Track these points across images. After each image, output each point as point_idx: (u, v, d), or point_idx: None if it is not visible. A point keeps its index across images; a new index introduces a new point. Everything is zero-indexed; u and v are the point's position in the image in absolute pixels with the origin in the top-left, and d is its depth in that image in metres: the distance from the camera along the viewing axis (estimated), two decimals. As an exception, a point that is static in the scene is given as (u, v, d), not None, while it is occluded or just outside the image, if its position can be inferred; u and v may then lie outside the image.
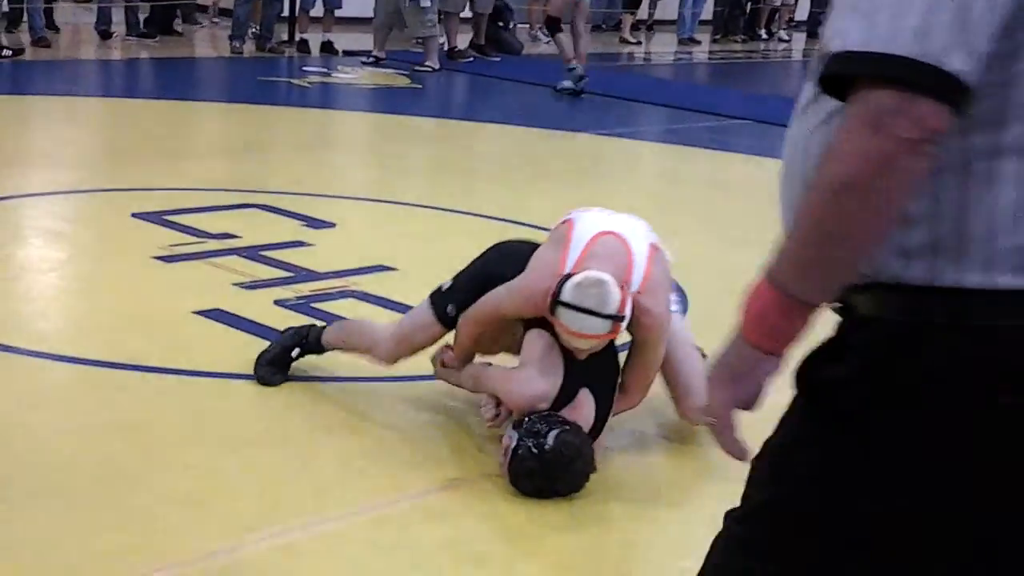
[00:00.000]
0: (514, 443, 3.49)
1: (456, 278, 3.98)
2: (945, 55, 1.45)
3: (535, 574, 3.21)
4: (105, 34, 13.22)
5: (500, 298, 3.73)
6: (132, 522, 3.24)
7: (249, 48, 13.31)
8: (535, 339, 3.67)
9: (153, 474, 3.51)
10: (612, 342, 3.66)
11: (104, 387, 4.15)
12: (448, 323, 3.91)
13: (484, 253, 4.03)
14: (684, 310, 4.36)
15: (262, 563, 3.11)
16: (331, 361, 4.44)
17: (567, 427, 3.50)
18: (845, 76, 1.50)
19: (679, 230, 6.85)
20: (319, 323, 4.31)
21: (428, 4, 12.60)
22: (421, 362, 4.12)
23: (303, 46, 13.67)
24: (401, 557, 3.20)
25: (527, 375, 3.63)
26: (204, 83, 12.07)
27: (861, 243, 1.53)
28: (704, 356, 4.05)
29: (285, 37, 14.06)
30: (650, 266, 3.68)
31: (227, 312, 4.87)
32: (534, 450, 3.44)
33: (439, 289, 3.99)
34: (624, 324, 3.54)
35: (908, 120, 1.46)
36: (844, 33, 1.51)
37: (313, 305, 5.04)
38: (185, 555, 3.10)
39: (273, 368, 4.19)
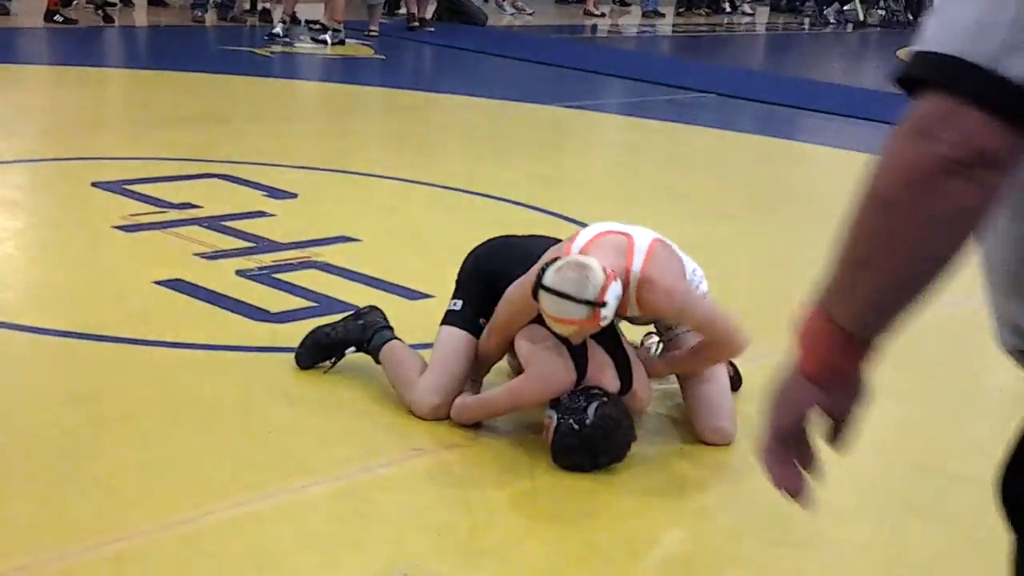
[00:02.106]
0: (555, 422, 3.52)
1: (458, 295, 3.92)
2: (1004, 57, 1.18)
3: (497, 544, 3.22)
4: (65, 1, 13.08)
5: (511, 292, 3.70)
6: (92, 492, 3.23)
7: (211, 17, 13.22)
8: (531, 333, 3.66)
9: (112, 444, 3.50)
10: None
11: (63, 357, 4.12)
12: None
13: (465, 262, 3.99)
14: None
15: (223, 533, 3.10)
16: (293, 331, 4.43)
17: (605, 399, 3.54)
18: (911, 80, 1.26)
19: (641, 202, 6.88)
20: (387, 326, 4.06)
21: None
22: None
23: (265, 16, 13.59)
24: (363, 527, 3.20)
25: (553, 369, 3.60)
26: (165, 52, 11.97)
27: (896, 272, 1.29)
28: (738, 377, 4.09)
29: (248, 7, 13.98)
30: (654, 250, 3.67)
31: (188, 282, 4.85)
32: (575, 426, 3.48)
33: (452, 311, 3.89)
34: (606, 311, 3.46)
35: (953, 134, 1.20)
36: (923, 29, 1.27)
37: (275, 276, 5.03)
38: (146, 524, 3.09)
39: (315, 353, 4.06)
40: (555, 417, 3.52)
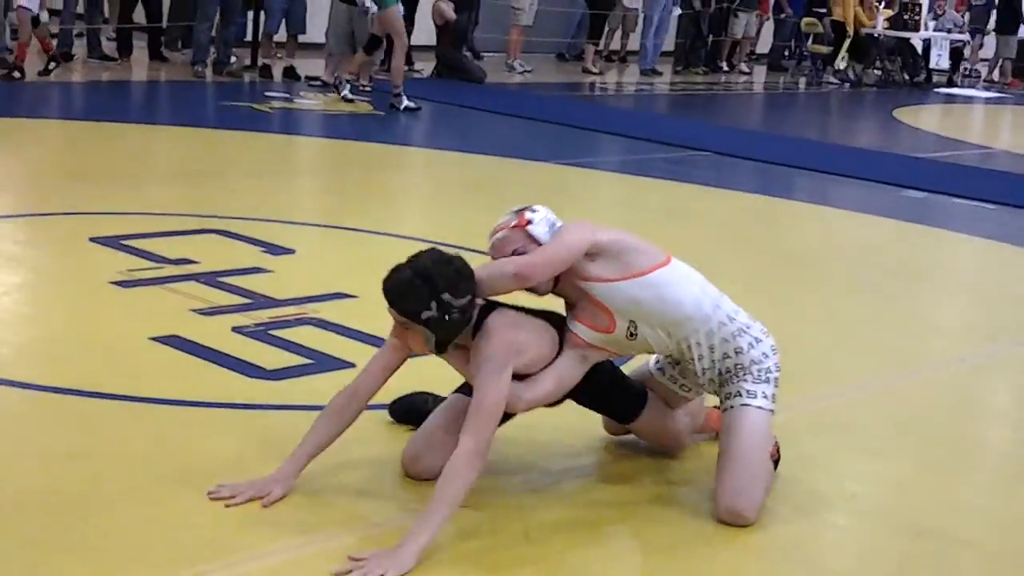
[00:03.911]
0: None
1: None
2: None
3: (491, 606, 3.19)
4: (66, 56, 13.15)
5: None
6: (85, 551, 3.20)
7: (210, 72, 13.29)
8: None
9: (104, 503, 3.47)
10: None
11: (57, 413, 4.10)
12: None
13: None
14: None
15: (216, 593, 3.08)
16: (289, 388, 4.42)
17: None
18: None
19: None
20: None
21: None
22: (383, 392, 4.11)
23: (265, 71, 13.67)
24: (356, 588, 3.17)
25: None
26: (165, 107, 12.03)
27: None
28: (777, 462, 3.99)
29: (248, 62, 14.06)
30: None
31: (184, 339, 4.84)
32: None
33: None
34: (532, 215, 3.74)
35: None
36: None
37: (272, 332, 5.02)
38: (138, 585, 3.06)
39: (406, 415, 4.15)
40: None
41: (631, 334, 3.74)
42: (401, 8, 12.18)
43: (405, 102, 11.97)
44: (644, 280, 3.71)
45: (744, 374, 3.79)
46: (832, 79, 19.98)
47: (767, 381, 3.80)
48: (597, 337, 3.73)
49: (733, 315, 3.84)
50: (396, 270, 3.54)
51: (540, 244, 3.70)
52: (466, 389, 3.77)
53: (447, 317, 3.48)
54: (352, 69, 12.48)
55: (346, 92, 12.18)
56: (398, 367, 3.73)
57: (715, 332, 3.79)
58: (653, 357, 4.02)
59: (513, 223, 3.75)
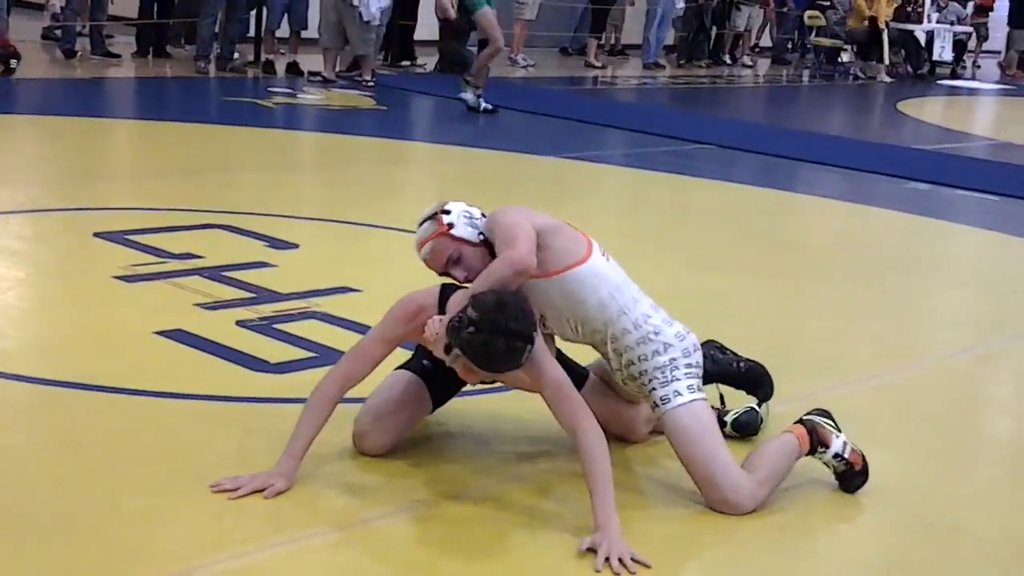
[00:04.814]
0: (455, 342, 3.49)
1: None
2: None
3: (495, 597, 3.20)
4: (69, 52, 13.17)
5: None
6: (86, 543, 3.21)
7: (214, 68, 13.30)
8: None
9: (108, 494, 3.48)
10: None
11: (62, 407, 4.12)
12: None
13: None
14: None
15: (220, 585, 3.09)
16: (293, 381, 4.43)
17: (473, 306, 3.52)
18: None
19: (641, 252, 6.88)
20: None
21: (374, 21, 12.71)
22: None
23: (268, 67, 13.68)
24: (361, 579, 3.18)
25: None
26: (168, 103, 12.03)
27: None
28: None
29: (251, 58, 14.06)
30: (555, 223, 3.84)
31: (188, 332, 4.85)
32: (469, 322, 3.45)
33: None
34: (450, 218, 3.79)
35: None
36: None
37: (275, 326, 5.03)
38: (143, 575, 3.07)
39: None
40: (453, 342, 3.50)
41: (542, 324, 3.81)
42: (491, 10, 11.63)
43: (483, 103, 11.83)
44: (555, 279, 3.76)
45: (652, 382, 3.78)
46: (846, 71, 19.95)
47: (677, 379, 3.76)
48: None
49: (642, 322, 3.81)
50: (484, 344, 3.45)
51: (470, 243, 3.80)
52: (411, 366, 3.94)
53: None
54: (478, 83, 11.98)
55: (479, 104, 11.89)
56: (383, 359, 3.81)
57: (619, 338, 3.81)
58: None
59: (435, 231, 3.81)
